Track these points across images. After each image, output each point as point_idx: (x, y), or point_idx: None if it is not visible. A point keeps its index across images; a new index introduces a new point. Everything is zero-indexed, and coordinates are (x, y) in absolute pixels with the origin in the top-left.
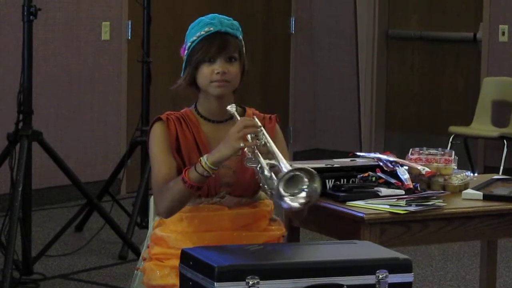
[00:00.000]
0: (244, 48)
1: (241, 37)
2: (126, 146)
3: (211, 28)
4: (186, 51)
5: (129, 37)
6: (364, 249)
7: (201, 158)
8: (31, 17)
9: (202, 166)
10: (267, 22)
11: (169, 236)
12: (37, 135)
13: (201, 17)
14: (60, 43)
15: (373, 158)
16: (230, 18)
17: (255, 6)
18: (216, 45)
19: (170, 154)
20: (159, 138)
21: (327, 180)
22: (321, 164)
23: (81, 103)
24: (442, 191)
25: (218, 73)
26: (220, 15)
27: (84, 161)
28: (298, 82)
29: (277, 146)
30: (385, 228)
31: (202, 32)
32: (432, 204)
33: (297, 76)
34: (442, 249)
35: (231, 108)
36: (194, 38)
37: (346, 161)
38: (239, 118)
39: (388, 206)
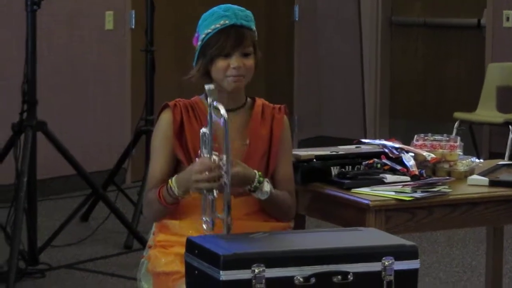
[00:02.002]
0: (256, 39)
1: (254, 28)
2: (130, 135)
3: (227, 21)
4: (199, 42)
5: (133, 27)
6: (370, 236)
7: (170, 180)
8: (34, 7)
9: (172, 190)
10: (271, 10)
11: (172, 222)
12: (41, 125)
13: (214, 8)
14: (63, 33)
15: (378, 145)
16: (243, 8)
17: None
18: (232, 39)
19: (169, 151)
20: (162, 131)
21: (332, 168)
22: (326, 151)
23: (85, 93)
24: (448, 177)
25: (234, 68)
26: (234, 6)
27: (89, 150)
28: (302, 70)
29: (282, 144)
30: (390, 215)
31: (217, 25)
32: (437, 191)
33: (301, 64)
34: (448, 235)
35: (208, 87)
36: (209, 30)
37: (351, 148)
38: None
39: (393, 193)
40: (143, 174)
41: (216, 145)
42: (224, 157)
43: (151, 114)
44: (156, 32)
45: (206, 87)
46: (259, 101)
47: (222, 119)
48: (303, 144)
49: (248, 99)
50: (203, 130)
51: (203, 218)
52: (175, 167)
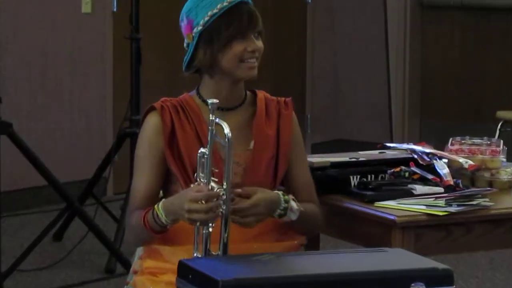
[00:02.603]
0: None
1: None
2: (112, 139)
3: None
4: (199, 27)
5: (115, 10)
6: (397, 258)
7: (156, 206)
8: None
9: (159, 218)
10: None
11: (164, 248)
12: (6, 127)
13: None
14: (32, 17)
15: (406, 149)
16: None
17: None
18: (246, 18)
19: (156, 162)
20: (147, 139)
21: (351, 177)
22: (344, 157)
23: (59, 89)
24: (489, 188)
25: (251, 51)
26: None
27: (62, 157)
28: (316, 60)
29: (294, 145)
30: (421, 232)
31: (225, 3)
32: (476, 204)
33: (316, 54)
34: (490, 257)
35: (211, 101)
36: (215, 10)
37: (374, 154)
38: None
39: (424, 207)
40: (128, 185)
41: (217, 170)
42: (225, 184)
43: (137, 113)
44: (143, 16)
45: (210, 101)
46: (261, 95)
47: (226, 141)
48: (317, 148)
49: (248, 92)
50: (202, 150)
51: (195, 254)
52: (165, 181)
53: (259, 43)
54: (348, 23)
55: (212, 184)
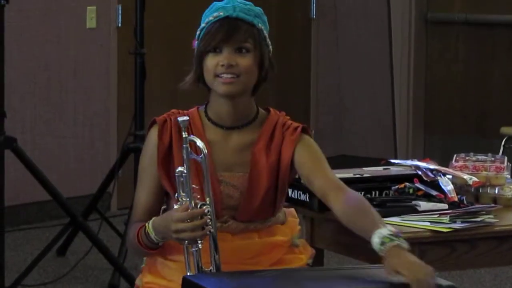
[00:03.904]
0: (266, 39)
1: (261, 25)
2: (116, 153)
3: (221, 13)
4: (197, 41)
5: (119, 25)
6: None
7: (147, 224)
8: (2, 1)
9: (150, 236)
10: (284, 6)
11: (163, 263)
12: (10, 141)
13: (216, 1)
14: (37, 32)
15: (410, 166)
16: (250, 3)
17: None
18: (222, 32)
19: (156, 177)
20: (149, 153)
21: None
22: (348, 173)
23: (63, 103)
24: (493, 205)
25: (223, 65)
26: None
27: (66, 172)
28: (320, 76)
29: (313, 162)
30: (425, 249)
31: (211, 18)
32: (481, 221)
33: (320, 69)
34: (494, 273)
35: (182, 119)
36: (203, 25)
37: (378, 170)
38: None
39: (428, 223)
40: (131, 200)
41: (197, 186)
42: (207, 200)
43: (141, 128)
44: (147, 31)
45: (179, 119)
46: (274, 116)
47: (202, 157)
48: None
49: (261, 111)
50: (180, 169)
51: (188, 273)
52: (166, 194)
53: (240, 60)
54: (352, 39)
55: (196, 201)
